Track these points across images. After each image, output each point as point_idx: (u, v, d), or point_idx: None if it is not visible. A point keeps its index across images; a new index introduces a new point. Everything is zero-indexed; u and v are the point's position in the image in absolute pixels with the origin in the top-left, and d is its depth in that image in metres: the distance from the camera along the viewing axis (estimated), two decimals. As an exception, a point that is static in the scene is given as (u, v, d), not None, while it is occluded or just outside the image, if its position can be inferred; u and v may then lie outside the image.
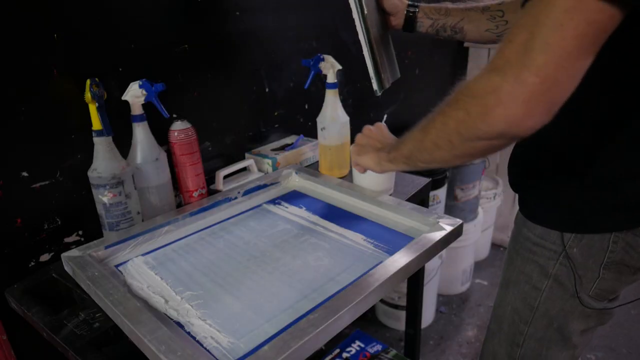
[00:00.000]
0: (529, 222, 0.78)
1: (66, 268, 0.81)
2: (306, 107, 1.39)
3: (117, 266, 0.82)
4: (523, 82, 0.49)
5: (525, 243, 0.79)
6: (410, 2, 0.98)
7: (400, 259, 0.73)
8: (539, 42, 0.48)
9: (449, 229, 0.82)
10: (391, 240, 0.86)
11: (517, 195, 0.83)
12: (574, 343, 0.80)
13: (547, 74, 0.48)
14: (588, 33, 0.47)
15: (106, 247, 0.83)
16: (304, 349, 0.57)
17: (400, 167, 0.79)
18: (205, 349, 0.62)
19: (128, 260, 0.83)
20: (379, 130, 0.91)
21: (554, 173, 0.72)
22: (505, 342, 0.85)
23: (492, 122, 0.53)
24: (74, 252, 0.80)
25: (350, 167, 1.09)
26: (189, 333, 0.65)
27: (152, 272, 0.79)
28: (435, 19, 0.96)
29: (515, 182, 0.80)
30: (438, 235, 0.80)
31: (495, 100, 0.52)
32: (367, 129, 0.92)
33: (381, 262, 0.73)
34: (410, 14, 0.96)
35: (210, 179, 1.11)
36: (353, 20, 0.85)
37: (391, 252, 0.77)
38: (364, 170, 0.92)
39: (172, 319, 0.68)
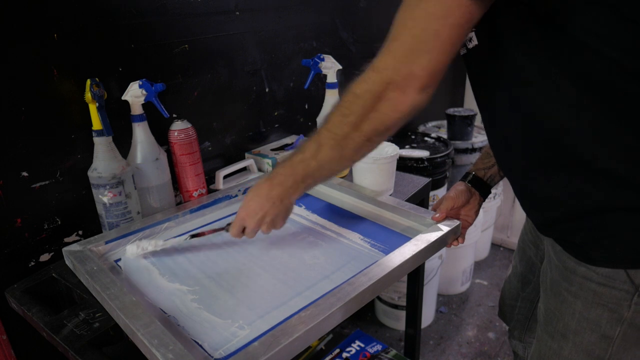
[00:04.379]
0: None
1: (67, 262, 0.82)
2: (306, 107, 1.39)
3: (116, 261, 0.83)
4: None
5: (587, 284, 0.67)
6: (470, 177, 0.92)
7: (395, 259, 0.73)
8: None
9: (446, 229, 0.82)
10: (388, 239, 0.86)
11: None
12: None
13: None
14: None
15: (106, 242, 0.84)
16: (293, 345, 0.58)
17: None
18: (197, 343, 0.63)
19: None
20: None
21: (609, 209, 0.63)
22: None
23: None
24: (75, 247, 0.82)
25: (350, 167, 1.08)
26: (183, 327, 0.66)
27: (150, 267, 0.80)
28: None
29: (551, 224, 0.71)
30: (435, 235, 0.80)
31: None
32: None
33: (376, 261, 0.74)
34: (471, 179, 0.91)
35: (210, 178, 1.11)
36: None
37: (387, 252, 0.77)
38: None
39: (167, 314, 0.69)
